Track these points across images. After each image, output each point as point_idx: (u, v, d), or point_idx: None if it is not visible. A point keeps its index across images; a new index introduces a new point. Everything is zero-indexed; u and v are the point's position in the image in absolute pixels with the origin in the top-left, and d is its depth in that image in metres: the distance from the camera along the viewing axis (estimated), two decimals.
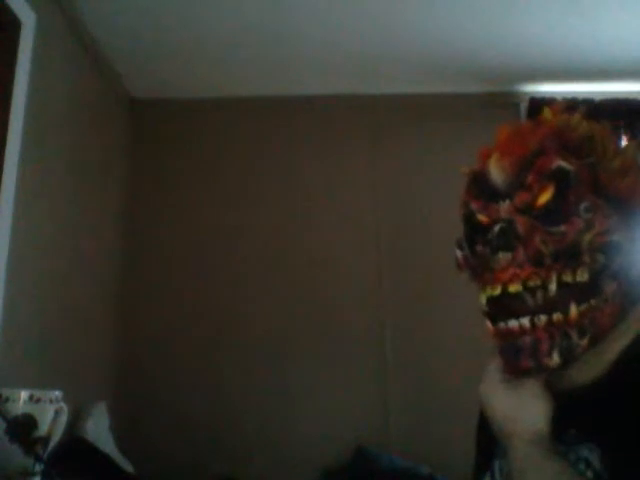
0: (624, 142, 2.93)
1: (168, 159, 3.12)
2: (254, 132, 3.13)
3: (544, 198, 0.75)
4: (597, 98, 2.97)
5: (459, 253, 0.82)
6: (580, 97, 2.95)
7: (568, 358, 0.73)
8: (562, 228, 0.74)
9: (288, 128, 3.13)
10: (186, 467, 2.65)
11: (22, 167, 1.98)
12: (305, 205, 3.04)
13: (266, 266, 2.96)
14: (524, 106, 3.01)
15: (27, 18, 2.04)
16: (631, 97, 2.99)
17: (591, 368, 0.75)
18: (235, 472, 2.57)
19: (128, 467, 2.33)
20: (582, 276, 0.73)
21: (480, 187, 0.80)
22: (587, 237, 0.73)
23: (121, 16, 2.50)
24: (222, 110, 3.15)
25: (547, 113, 0.82)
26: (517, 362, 0.74)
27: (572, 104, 2.80)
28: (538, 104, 2.87)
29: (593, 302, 0.73)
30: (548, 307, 0.73)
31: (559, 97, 2.88)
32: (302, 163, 3.09)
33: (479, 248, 0.78)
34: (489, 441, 0.86)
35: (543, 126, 0.80)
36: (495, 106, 2.96)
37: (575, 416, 0.74)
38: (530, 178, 0.76)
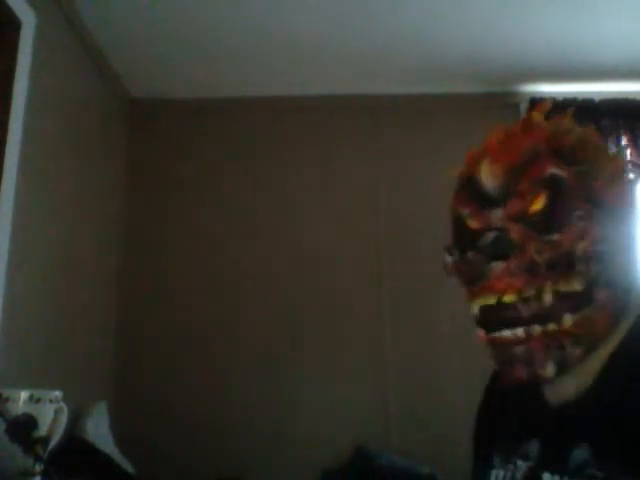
0: (624, 142, 2.94)
1: (168, 159, 3.12)
2: (254, 132, 3.13)
3: (537, 206, 0.74)
4: (597, 98, 2.98)
5: (448, 258, 0.81)
6: (580, 97, 2.95)
7: (562, 368, 0.72)
8: (556, 237, 0.73)
9: (288, 128, 3.13)
10: (186, 467, 2.65)
11: (22, 167, 1.98)
12: (305, 205, 3.04)
13: (266, 267, 2.95)
14: (524, 106, 3.01)
15: (27, 18, 2.04)
16: (631, 97, 2.99)
17: (583, 378, 0.75)
18: (235, 472, 2.57)
19: (128, 467, 2.33)
20: (576, 285, 0.72)
21: (471, 192, 0.79)
22: (581, 246, 0.72)
23: (121, 16, 2.50)
24: (222, 110, 3.15)
25: (537, 116, 0.81)
26: (511, 372, 0.74)
27: (560, 104, 2.80)
28: (538, 104, 2.87)
29: (587, 311, 0.73)
30: (542, 317, 0.73)
31: (559, 97, 2.88)
32: (302, 163, 3.09)
33: (470, 255, 0.77)
34: (487, 449, 0.86)
35: (535, 130, 0.79)
36: (495, 106, 2.96)
37: (574, 427, 0.74)
38: (522, 185, 0.75)
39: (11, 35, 1.98)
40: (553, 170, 0.75)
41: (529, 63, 2.85)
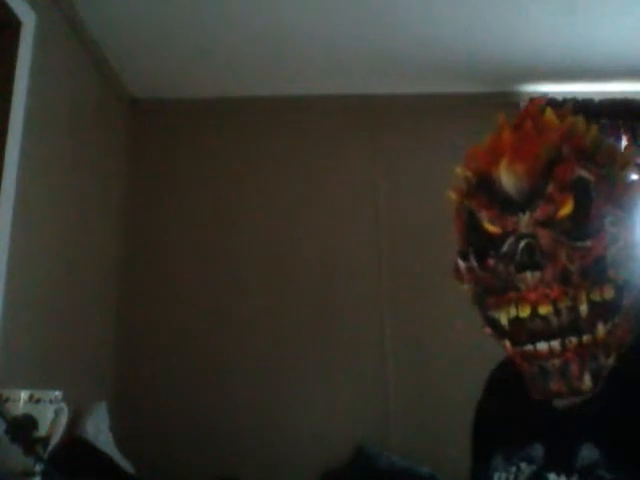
0: (624, 142, 2.94)
1: (168, 159, 3.12)
2: (254, 132, 3.13)
3: (565, 210, 0.71)
4: (597, 98, 2.98)
5: (462, 264, 0.78)
6: (580, 97, 2.95)
7: (597, 379, 0.70)
8: (588, 243, 0.70)
9: (288, 128, 3.13)
10: (186, 467, 2.65)
11: (22, 168, 1.98)
12: (305, 205, 3.04)
13: (266, 267, 2.96)
14: (524, 106, 3.01)
15: (27, 18, 2.03)
16: (631, 97, 2.99)
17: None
18: (235, 472, 2.57)
19: (128, 467, 2.33)
20: (609, 293, 0.70)
21: (489, 194, 0.75)
22: (612, 252, 0.70)
23: (121, 16, 2.50)
24: (222, 110, 3.15)
25: (550, 115, 0.77)
26: (547, 386, 0.71)
27: (561, 104, 2.80)
28: (530, 103, 2.87)
29: (617, 319, 0.71)
30: (576, 328, 0.70)
31: (559, 97, 2.88)
32: (302, 163, 3.09)
33: (491, 262, 0.74)
34: (487, 449, 0.85)
35: (551, 129, 0.75)
36: (495, 106, 2.96)
37: (581, 428, 0.73)
38: (550, 188, 0.72)
39: (11, 35, 1.97)
40: (581, 172, 0.72)
41: (529, 63, 2.85)
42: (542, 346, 0.71)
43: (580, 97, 2.95)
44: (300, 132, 3.13)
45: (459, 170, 0.81)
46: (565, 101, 2.86)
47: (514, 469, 0.78)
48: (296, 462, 2.67)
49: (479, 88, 3.05)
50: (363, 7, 2.46)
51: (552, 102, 2.72)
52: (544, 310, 0.70)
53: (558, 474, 0.72)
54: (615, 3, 2.44)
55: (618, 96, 2.99)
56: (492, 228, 0.75)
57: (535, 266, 0.70)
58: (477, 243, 0.77)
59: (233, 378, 2.82)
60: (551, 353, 0.71)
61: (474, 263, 0.76)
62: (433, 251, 2.64)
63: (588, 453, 0.70)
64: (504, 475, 0.79)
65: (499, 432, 0.85)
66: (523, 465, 0.78)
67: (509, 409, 0.84)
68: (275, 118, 3.13)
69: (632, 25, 2.56)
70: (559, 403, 0.76)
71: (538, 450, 0.77)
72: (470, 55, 2.80)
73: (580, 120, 0.77)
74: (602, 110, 2.94)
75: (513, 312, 0.72)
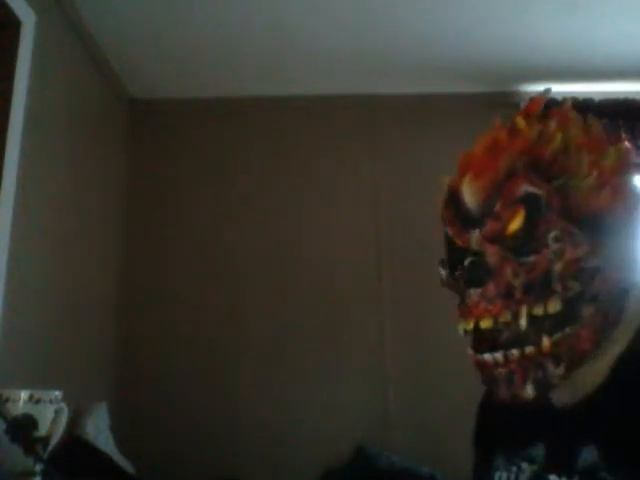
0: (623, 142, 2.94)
1: (168, 159, 3.12)
2: (254, 132, 3.13)
3: (513, 226, 0.73)
4: (597, 98, 2.98)
5: (442, 272, 0.81)
6: (580, 97, 2.95)
7: (543, 388, 0.72)
8: (532, 259, 0.72)
9: (288, 128, 3.13)
10: (186, 467, 2.65)
11: (22, 168, 1.98)
12: (305, 205, 3.04)
13: (266, 267, 2.96)
14: (524, 106, 3.01)
15: (27, 18, 2.04)
16: (631, 97, 2.99)
17: (591, 380, 0.74)
18: (235, 472, 2.57)
19: (128, 467, 2.33)
20: (554, 307, 0.71)
21: (455, 209, 0.79)
22: (558, 266, 0.71)
23: (121, 16, 2.50)
24: (222, 110, 3.15)
25: (520, 123, 0.78)
26: (496, 392, 0.75)
27: (555, 101, 2.79)
28: (532, 101, 2.87)
29: (568, 330, 0.71)
30: (520, 341, 0.72)
31: (559, 97, 2.87)
32: (302, 163, 3.09)
33: (457, 273, 0.77)
34: (489, 449, 0.85)
35: (516, 141, 0.76)
36: (495, 106, 2.96)
37: (582, 429, 0.73)
38: (498, 206, 0.74)
39: (11, 35, 1.98)
40: (528, 188, 0.73)
41: (529, 63, 2.85)
42: (487, 357, 0.74)
43: (580, 97, 2.95)
44: (300, 132, 3.13)
45: (443, 180, 0.84)
46: (564, 101, 2.86)
47: (515, 469, 0.79)
48: (296, 462, 2.67)
49: (479, 88, 3.05)
50: (363, 7, 2.46)
51: (552, 102, 2.73)
52: (485, 324, 0.74)
53: (559, 475, 0.73)
54: (615, 3, 2.44)
55: (618, 96, 2.99)
56: (458, 241, 0.78)
57: (478, 283, 0.74)
58: (450, 253, 0.81)
59: (233, 379, 2.82)
60: (496, 364, 0.73)
61: (447, 273, 0.80)
62: (433, 251, 2.64)
63: (589, 455, 0.70)
64: (505, 474, 0.80)
65: (500, 432, 0.86)
66: (524, 465, 0.78)
67: (510, 410, 0.84)
68: (275, 118, 3.13)
69: (632, 25, 2.56)
70: (558, 403, 0.77)
71: (539, 450, 0.78)
72: (470, 55, 2.80)
73: (550, 127, 0.77)
74: (602, 110, 2.94)
75: (464, 324, 0.76)
